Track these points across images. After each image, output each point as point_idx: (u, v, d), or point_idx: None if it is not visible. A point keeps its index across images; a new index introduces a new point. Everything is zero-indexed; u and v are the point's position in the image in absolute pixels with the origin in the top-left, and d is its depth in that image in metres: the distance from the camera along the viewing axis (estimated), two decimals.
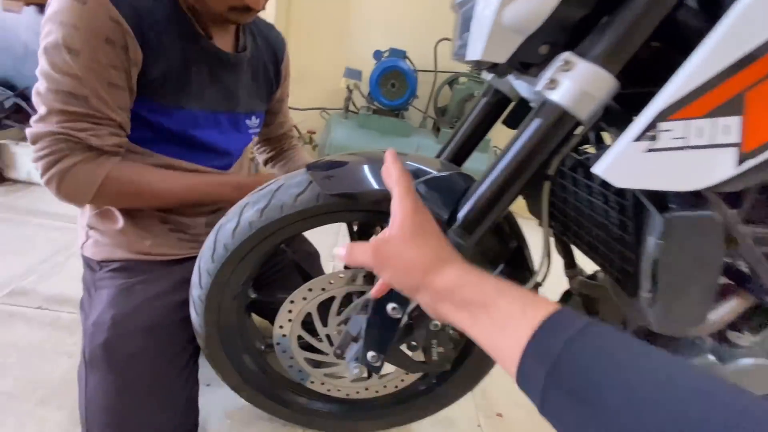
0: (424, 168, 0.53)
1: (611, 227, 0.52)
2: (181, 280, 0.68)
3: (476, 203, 0.47)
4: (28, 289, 1.03)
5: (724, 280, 0.53)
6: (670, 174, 0.38)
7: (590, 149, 0.63)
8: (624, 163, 0.39)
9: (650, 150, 0.38)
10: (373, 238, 0.40)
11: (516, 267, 0.60)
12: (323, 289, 0.60)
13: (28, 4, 1.72)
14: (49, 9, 0.56)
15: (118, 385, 0.62)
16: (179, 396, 0.66)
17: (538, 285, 0.57)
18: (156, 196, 0.65)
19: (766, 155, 0.37)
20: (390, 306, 0.47)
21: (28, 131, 0.60)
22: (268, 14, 1.74)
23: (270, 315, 0.71)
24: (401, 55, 1.87)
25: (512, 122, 0.71)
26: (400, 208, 0.40)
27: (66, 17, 0.54)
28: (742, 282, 0.52)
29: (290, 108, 1.80)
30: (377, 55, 1.87)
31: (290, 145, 0.98)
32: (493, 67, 0.48)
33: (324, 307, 0.62)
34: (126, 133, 0.63)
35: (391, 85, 1.83)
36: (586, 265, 0.69)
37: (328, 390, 0.72)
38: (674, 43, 0.43)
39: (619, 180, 0.40)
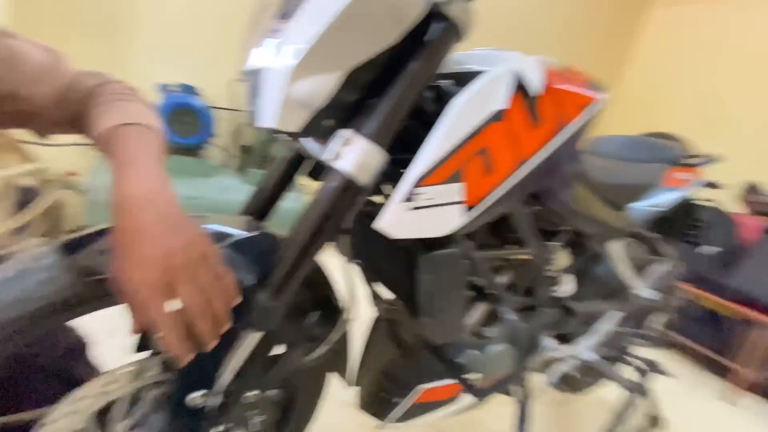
0: (227, 230, 0.51)
1: (398, 265, 0.64)
2: None
3: (282, 268, 0.49)
4: None
5: (470, 293, 0.72)
6: (426, 225, 0.51)
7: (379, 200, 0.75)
8: (395, 220, 0.49)
9: (411, 208, 0.49)
10: None
11: (329, 310, 0.65)
12: (101, 394, 0.48)
13: None
14: None
15: None
16: None
17: (348, 321, 0.63)
18: None
19: (481, 208, 0.54)
20: (190, 396, 0.42)
21: None
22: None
23: None
24: (190, 90, 1.73)
25: (314, 175, 0.77)
26: None
27: None
28: (481, 293, 0.73)
29: (33, 143, 1.38)
30: (163, 88, 1.67)
31: (83, 103, 0.52)
32: (289, 133, 0.52)
33: (102, 416, 0.49)
34: None
35: (184, 122, 1.67)
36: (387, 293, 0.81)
37: None
38: (424, 121, 0.58)
39: (394, 232, 0.50)
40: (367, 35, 0.47)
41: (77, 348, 0.66)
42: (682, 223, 1.29)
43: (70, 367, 0.63)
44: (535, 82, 0.53)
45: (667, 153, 1.03)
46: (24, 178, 1.42)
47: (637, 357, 1.21)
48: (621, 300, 1.09)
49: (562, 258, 0.93)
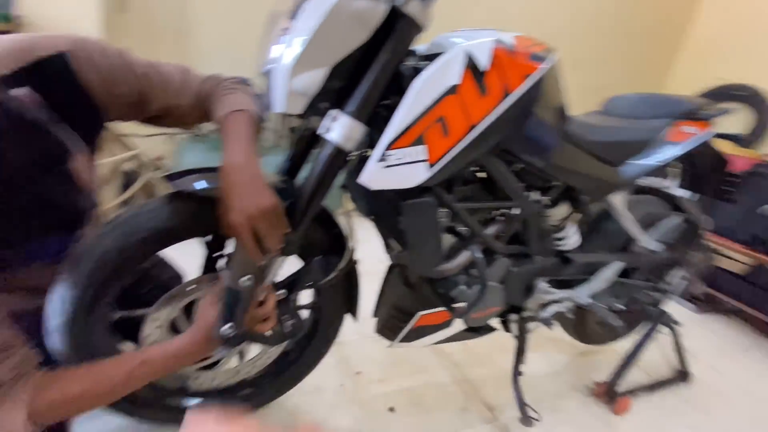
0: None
1: (390, 212, 0.81)
2: (33, 327, 0.69)
3: (297, 210, 0.69)
4: None
5: (453, 240, 0.86)
6: (396, 179, 0.67)
7: None
8: (372, 175, 0.66)
9: (385, 167, 0.66)
10: None
11: (337, 245, 0.84)
12: (185, 294, 0.74)
13: None
14: None
15: None
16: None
17: (352, 257, 0.83)
18: (105, 397, 0.62)
19: (441, 164, 0.69)
20: (241, 279, 0.66)
21: None
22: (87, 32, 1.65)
23: (136, 337, 0.79)
24: (246, 82, 1.99)
25: None
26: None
27: None
28: (464, 240, 0.87)
29: (132, 135, 1.75)
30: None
31: (205, 99, 0.76)
32: (296, 115, 0.70)
33: (188, 310, 0.75)
34: (19, 345, 0.57)
35: None
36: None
37: (203, 384, 0.84)
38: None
39: (372, 185, 0.67)
40: (343, 37, 0.63)
41: (174, 276, 0.95)
42: (715, 179, 1.27)
43: (171, 287, 0.91)
44: (483, 60, 0.65)
45: (674, 108, 1.04)
46: (126, 164, 1.82)
47: (650, 307, 1.26)
48: (626, 252, 1.15)
49: (561, 211, 1.02)
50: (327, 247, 0.83)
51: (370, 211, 0.94)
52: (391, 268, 1.03)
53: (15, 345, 0.56)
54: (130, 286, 0.84)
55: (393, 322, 0.96)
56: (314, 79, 0.64)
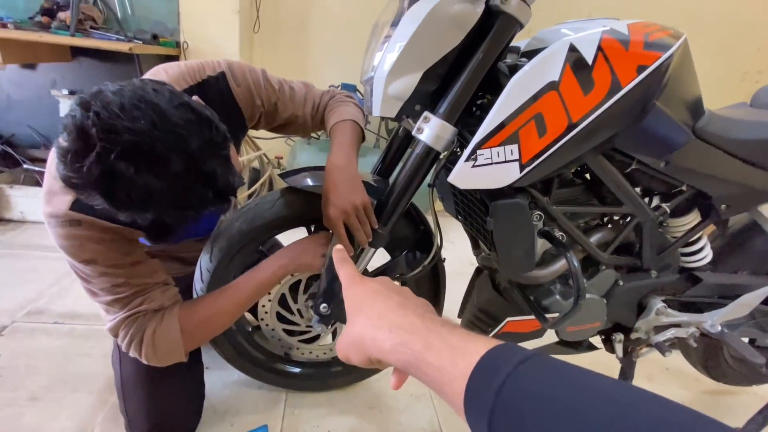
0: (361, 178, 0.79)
1: (479, 213, 0.80)
2: (185, 287, 0.89)
3: (388, 206, 0.74)
4: (42, 309, 1.21)
5: (549, 245, 0.81)
6: (485, 179, 0.67)
7: None
8: (461, 174, 0.67)
9: (474, 166, 0.66)
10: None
11: (425, 242, 0.87)
12: (292, 275, 0.85)
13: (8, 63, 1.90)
14: (51, 231, 0.64)
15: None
16: (193, 365, 0.87)
17: (438, 254, 0.85)
18: (232, 315, 0.76)
19: (534, 164, 0.66)
20: None
21: (107, 329, 0.69)
22: (231, 54, 1.99)
23: (251, 308, 0.94)
24: (352, 88, 2.16)
25: None
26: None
27: (67, 242, 0.63)
28: (561, 247, 0.81)
29: (257, 138, 2.04)
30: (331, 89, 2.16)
31: (322, 111, 0.90)
32: (391, 118, 0.75)
33: (294, 289, 0.87)
34: (172, 283, 0.75)
35: None
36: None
37: (302, 354, 0.96)
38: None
39: (461, 184, 0.68)
40: (438, 41, 0.65)
41: None
42: None
43: None
44: (588, 53, 0.60)
45: None
46: (253, 162, 2.13)
47: None
48: None
49: (688, 221, 0.88)
50: (415, 243, 0.87)
51: (459, 211, 0.95)
52: (478, 270, 1.01)
53: (171, 283, 0.76)
54: (251, 264, 1.01)
55: (478, 325, 0.95)
56: (408, 83, 0.68)
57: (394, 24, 0.70)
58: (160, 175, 0.50)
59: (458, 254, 1.05)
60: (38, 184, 1.81)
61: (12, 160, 1.88)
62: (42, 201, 0.65)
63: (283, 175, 0.81)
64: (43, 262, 1.46)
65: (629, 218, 0.83)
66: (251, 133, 2.04)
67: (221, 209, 0.58)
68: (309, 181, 0.78)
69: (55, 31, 1.59)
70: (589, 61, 0.61)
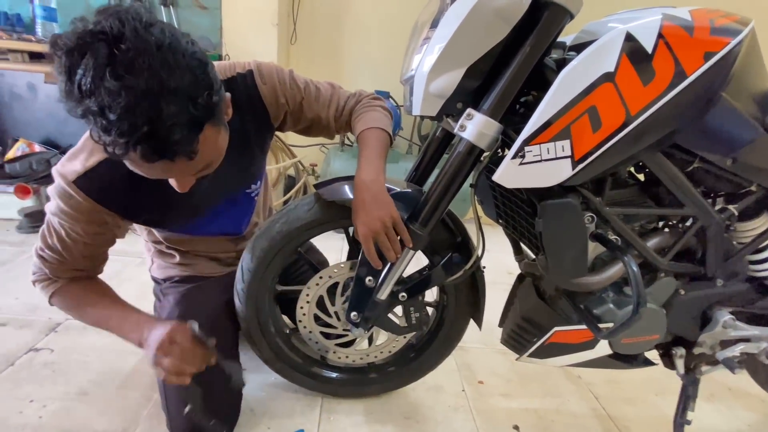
0: (393, 187, 0.78)
1: (524, 215, 0.77)
2: (224, 286, 0.91)
3: (428, 206, 0.73)
4: None
5: (602, 249, 0.76)
6: (534, 177, 0.63)
7: None
8: (508, 173, 0.64)
9: (521, 164, 0.63)
10: None
11: (463, 250, 0.84)
12: (330, 277, 0.85)
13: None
14: (50, 191, 0.70)
15: None
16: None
17: (478, 260, 0.81)
18: (87, 322, 0.79)
19: (588, 161, 0.62)
20: (367, 279, 0.72)
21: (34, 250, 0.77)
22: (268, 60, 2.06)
23: (289, 310, 0.95)
24: (385, 95, 2.17)
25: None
26: None
27: (58, 202, 0.69)
28: (617, 251, 0.75)
29: (292, 146, 2.09)
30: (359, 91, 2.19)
31: (349, 115, 0.89)
32: (431, 117, 0.74)
33: (332, 292, 0.86)
34: (90, 272, 0.79)
35: None
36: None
37: (339, 358, 0.94)
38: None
39: (507, 183, 0.65)
40: (482, 36, 0.63)
41: (323, 262, 1.10)
42: None
43: (320, 269, 1.06)
44: (647, 42, 0.56)
45: None
46: (289, 169, 2.18)
47: None
48: None
49: (760, 225, 0.80)
50: (454, 248, 0.84)
51: (500, 215, 0.91)
52: (521, 277, 0.97)
53: (90, 270, 0.79)
54: (288, 266, 1.02)
55: (522, 335, 0.90)
56: (451, 80, 0.67)
57: (434, 25, 0.69)
58: (120, 78, 0.46)
59: (495, 263, 1.00)
60: None
61: None
62: (64, 158, 0.71)
63: (317, 186, 0.81)
64: None
65: (691, 221, 0.76)
66: (287, 140, 2.09)
67: (242, 216, 0.55)
68: (340, 194, 0.78)
69: None
70: (649, 49, 0.57)
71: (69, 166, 0.69)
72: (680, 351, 0.86)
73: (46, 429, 0.87)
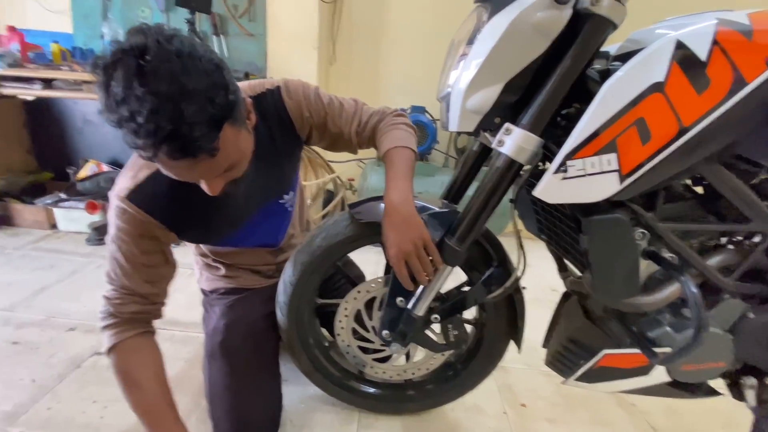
0: (429, 205, 0.78)
1: (568, 231, 0.74)
2: (266, 298, 0.95)
3: (465, 222, 0.72)
4: None
5: (656, 268, 0.71)
6: (578, 192, 0.61)
7: None
8: (549, 187, 0.62)
9: (564, 178, 0.61)
10: None
11: (503, 266, 0.82)
12: (368, 291, 0.85)
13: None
14: (108, 216, 0.74)
15: (231, 369, 0.88)
16: (273, 377, 0.91)
17: (518, 279, 0.79)
18: (126, 398, 0.76)
19: (637, 175, 0.59)
20: (398, 299, 0.72)
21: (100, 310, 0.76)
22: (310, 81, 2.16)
23: (328, 324, 0.96)
24: (421, 110, 2.20)
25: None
26: None
27: (115, 221, 0.72)
28: (672, 269, 0.70)
29: (331, 162, 2.16)
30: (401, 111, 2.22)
31: (372, 133, 0.90)
32: (468, 132, 0.74)
33: (370, 306, 0.87)
34: (153, 301, 0.78)
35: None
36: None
37: (376, 373, 0.94)
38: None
39: (549, 198, 0.63)
40: (520, 51, 0.63)
41: (361, 276, 1.12)
42: None
43: (357, 283, 1.07)
44: (701, 49, 0.53)
45: None
46: (327, 185, 2.25)
47: None
48: None
49: None
50: (493, 264, 0.82)
51: (542, 229, 0.88)
52: (566, 296, 0.92)
53: (152, 299, 0.78)
54: (327, 279, 1.04)
55: (568, 357, 0.86)
56: (489, 96, 0.66)
57: (470, 42, 0.69)
58: (146, 85, 0.51)
59: (537, 279, 0.96)
60: None
61: None
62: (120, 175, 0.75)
63: (351, 206, 0.83)
64: None
65: (760, 238, 0.70)
66: (326, 156, 2.16)
67: (278, 229, 0.56)
68: (373, 215, 0.78)
69: None
70: (703, 57, 0.54)
71: (120, 185, 0.74)
72: (751, 381, 0.78)
73: (105, 429, 0.93)
